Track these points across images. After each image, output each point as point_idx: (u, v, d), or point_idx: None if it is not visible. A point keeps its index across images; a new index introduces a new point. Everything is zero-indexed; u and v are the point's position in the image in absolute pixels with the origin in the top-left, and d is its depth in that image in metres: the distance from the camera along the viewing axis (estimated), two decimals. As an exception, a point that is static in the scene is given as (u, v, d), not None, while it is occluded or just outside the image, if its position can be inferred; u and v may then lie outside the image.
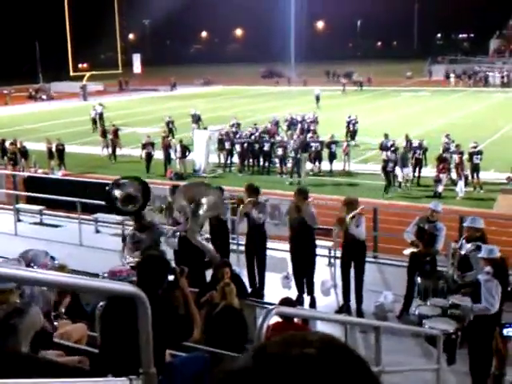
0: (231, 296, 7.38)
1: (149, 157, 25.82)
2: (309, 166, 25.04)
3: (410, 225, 10.61)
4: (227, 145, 26.38)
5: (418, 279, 10.07)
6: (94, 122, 37.34)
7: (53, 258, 7.35)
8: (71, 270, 7.30)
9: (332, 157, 24.98)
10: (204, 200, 8.99)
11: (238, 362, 0.91)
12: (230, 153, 26.48)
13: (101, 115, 37.78)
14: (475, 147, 22.09)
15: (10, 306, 4.91)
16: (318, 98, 47.24)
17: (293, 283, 11.42)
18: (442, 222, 10.44)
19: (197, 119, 35.24)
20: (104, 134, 30.49)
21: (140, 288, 3.05)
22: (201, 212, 9.03)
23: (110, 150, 29.12)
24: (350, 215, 10.45)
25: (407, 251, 10.62)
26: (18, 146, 26.65)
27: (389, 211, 16.66)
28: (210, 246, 9.45)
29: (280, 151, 24.89)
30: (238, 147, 26.06)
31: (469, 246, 9.38)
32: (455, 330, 8.21)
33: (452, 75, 66.59)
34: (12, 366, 4.18)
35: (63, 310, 6.76)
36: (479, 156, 21.60)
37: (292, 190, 13.00)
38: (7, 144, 27.20)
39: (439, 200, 20.01)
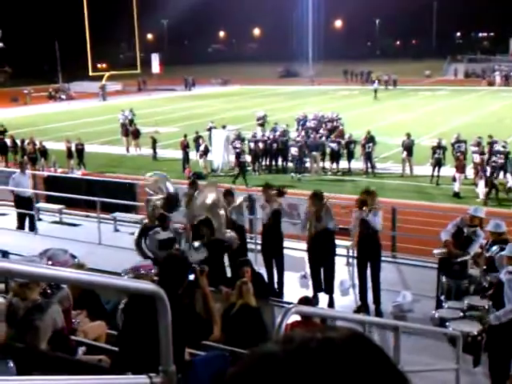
0: (248, 295, 7.37)
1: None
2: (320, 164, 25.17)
3: (450, 224, 10.47)
4: (238, 144, 26.43)
5: (443, 279, 9.99)
6: (123, 126, 34.09)
7: (73, 257, 7.40)
8: (88, 269, 7.34)
9: (350, 156, 24.98)
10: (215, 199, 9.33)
11: (264, 347, 0.93)
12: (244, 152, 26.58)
13: (131, 121, 34.67)
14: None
15: (31, 302, 4.96)
16: (375, 91, 53.71)
17: (311, 282, 11.41)
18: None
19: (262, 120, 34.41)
20: (127, 133, 30.76)
21: (160, 287, 3.06)
22: (220, 211, 9.24)
23: (151, 149, 29.16)
24: (367, 208, 10.45)
25: (437, 251, 10.55)
26: (38, 145, 26.89)
27: (407, 211, 16.57)
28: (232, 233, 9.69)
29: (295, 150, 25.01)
30: (252, 146, 26.11)
31: (494, 248, 9.35)
32: (480, 332, 8.14)
33: (497, 73, 64.97)
34: (32, 362, 4.22)
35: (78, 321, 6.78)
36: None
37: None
38: (26, 144, 27.44)
39: (459, 200, 19.99)
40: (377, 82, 56.51)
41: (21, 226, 16.26)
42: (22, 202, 16.35)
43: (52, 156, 26.81)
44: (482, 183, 20.55)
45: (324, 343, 0.90)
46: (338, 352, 0.88)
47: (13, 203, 17.35)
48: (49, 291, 5.66)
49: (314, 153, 24.84)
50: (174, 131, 35.36)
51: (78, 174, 24.67)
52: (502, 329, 7.67)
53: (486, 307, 8.38)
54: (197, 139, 26.84)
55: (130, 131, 31.37)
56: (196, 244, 9.95)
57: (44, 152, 26.73)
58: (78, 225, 16.76)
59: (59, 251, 7.18)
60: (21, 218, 16.39)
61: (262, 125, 32.99)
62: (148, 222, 11.22)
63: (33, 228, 16.01)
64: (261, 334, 7.15)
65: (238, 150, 24.63)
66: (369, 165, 24.70)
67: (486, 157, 21.57)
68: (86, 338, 6.19)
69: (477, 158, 21.52)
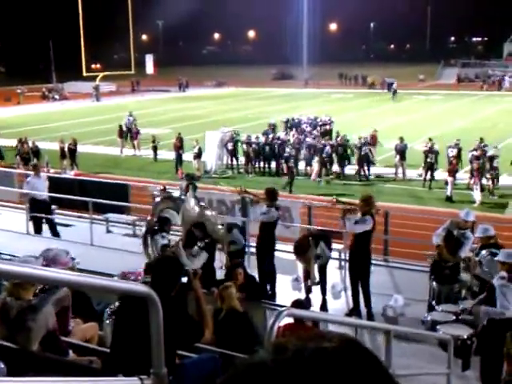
0: (230, 300, 7.29)
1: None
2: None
3: (440, 228, 10.52)
4: (230, 146, 26.45)
5: (434, 284, 10.02)
6: (129, 131, 32.62)
7: (72, 258, 7.36)
8: (80, 270, 7.30)
9: (342, 160, 24.98)
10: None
11: (255, 356, 0.92)
12: (235, 154, 26.67)
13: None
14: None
15: (25, 302, 4.94)
16: (394, 92, 56.38)
17: (303, 285, 11.40)
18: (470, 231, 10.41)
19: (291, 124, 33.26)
20: (121, 134, 30.64)
21: (153, 289, 3.06)
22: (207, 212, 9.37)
23: (152, 151, 29.14)
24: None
25: (429, 253, 10.61)
26: (31, 145, 26.79)
27: (400, 215, 16.59)
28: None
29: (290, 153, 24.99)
30: (245, 148, 26.12)
31: (483, 252, 9.38)
32: (470, 336, 8.16)
33: (506, 77, 64.55)
34: (23, 363, 4.20)
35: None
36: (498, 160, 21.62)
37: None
38: (19, 143, 27.29)
39: (451, 204, 20.03)
40: (395, 83, 58.65)
41: (38, 230, 15.69)
42: (39, 206, 15.75)
43: (45, 156, 26.71)
44: (477, 189, 20.54)
45: (317, 353, 0.88)
46: (331, 362, 0.87)
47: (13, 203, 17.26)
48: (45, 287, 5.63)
49: (315, 157, 24.71)
50: (167, 132, 35.31)
51: (70, 174, 24.60)
52: (494, 332, 7.68)
53: (483, 309, 8.37)
54: (180, 140, 27.03)
55: (133, 132, 31.28)
56: (194, 251, 9.93)
57: (37, 152, 26.63)
58: (70, 225, 16.68)
59: (62, 252, 7.12)
60: (36, 222, 15.85)
61: (290, 128, 32.15)
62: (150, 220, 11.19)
63: (55, 233, 15.52)
64: (249, 337, 7.11)
65: (287, 155, 24.11)
66: (365, 167, 24.57)
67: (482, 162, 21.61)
68: (78, 339, 6.16)
69: (474, 163, 21.52)
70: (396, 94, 56.11)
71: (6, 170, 22.58)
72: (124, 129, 31.80)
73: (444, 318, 8.85)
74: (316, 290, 11.22)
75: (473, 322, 8.42)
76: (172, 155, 27.23)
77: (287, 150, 24.81)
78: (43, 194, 15.88)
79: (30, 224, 16.16)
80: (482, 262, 9.38)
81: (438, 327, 8.45)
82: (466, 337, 8.15)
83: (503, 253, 8.16)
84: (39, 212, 15.80)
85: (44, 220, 15.87)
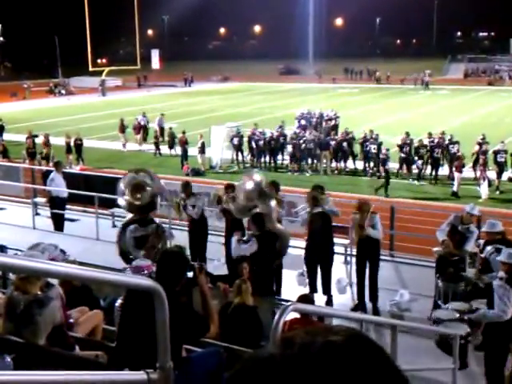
0: (246, 294, 7.33)
1: None
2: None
3: (444, 223, 10.51)
4: (235, 141, 26.37)
5: (439, 282, 9.97)
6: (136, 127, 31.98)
7: (63, 252, 7.34)
8: (86, 264, 7.30)
9: (346, 155, 24.92)
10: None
11: (263, 350, 0.92)
12: (240, 149, 26.60)
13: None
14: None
15: (32, 296, 4.95)
16: (427, 84, 60.29)
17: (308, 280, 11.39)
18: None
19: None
20: (123, 129, 30.63)
21: (158, 283, 3.06)
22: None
23: (154, 147, 29.35)
24: (367, 221, 10.40)
25: (436, 249, 10.59)
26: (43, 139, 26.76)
27: (406, 210, 16.56)
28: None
29: (290, 148, 24.95)
30: (253, 144, 26.07)
31: (489, 248, 9.32)
32: (466, 335, 8.00)
33: None
34: (29, 357, 4.21)
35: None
36: (504, 155, 21.53)
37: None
38: (25, 138, 27.26)
39: (457, 199, 19.98)
40: (427, 75, 61.51)
41: (59, 228, 15.78)
42: (59, 203, 15.91)
43: (51, 151, 26.70)
44: (485, 184, 20.45)
45: (324, 347, 0.88)
46: (338, 356, 0.87)
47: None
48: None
49: (324, 151, 24.65)
50: (173, 127, 35.27)
51: (76, 169, 24.62)
52: (498, 329, 7.65)
53: (482, 313, 8.32)
54: (171, 136, 27.69)
55: (136, 127, 31.25)
56: (245, 237, 9.93)
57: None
58: (76, 220, 16.73)
59: (50, 246, 7.13)
60: (57, 219, 15.95)
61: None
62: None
63: (60, 227, 15.77)
64: (256, 333, 7.13)
65: (383, 156, 22.25)
66: (367, 164, 24.50)
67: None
68: (83, 328, 6.17)
69: (480, 159, 21.45)
70: (428, 86, 59.76)
71: (13, 164, 22.61)
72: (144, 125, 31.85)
73: (447, 316, 8.77)
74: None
75: (476, 321, 8.34)
76: (175, 150, 27.52)
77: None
78: (66, 190, 16.02)
79: (37, 218, 16.23)
80: (487, 258, 9.35)
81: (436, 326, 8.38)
82: (463, 335, 8.02)
83: (505, 252, 8.02)
84: (56, 208, 15.90)
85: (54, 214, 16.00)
